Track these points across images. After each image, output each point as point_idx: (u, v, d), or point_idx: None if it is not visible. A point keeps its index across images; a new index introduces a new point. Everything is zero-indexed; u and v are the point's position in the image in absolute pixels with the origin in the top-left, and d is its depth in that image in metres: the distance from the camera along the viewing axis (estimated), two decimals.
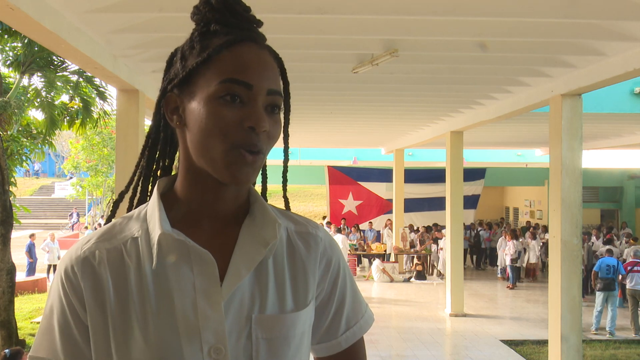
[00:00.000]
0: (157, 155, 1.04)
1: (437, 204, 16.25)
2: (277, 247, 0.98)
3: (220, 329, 0.90)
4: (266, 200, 1.06)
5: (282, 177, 1.07)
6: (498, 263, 14.74)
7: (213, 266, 0.91)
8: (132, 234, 0.94)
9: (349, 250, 14.51)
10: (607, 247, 10.94)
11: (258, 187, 1.08)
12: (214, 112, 0.88)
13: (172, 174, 1.06)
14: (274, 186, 1.12)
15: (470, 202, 16.75)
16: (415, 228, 16.00)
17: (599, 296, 9.68)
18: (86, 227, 21.58)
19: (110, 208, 1.06)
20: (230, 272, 0.92)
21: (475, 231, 16.52)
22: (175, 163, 1.05)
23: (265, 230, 0.96)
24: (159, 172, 1.05)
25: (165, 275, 0.91)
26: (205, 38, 0.93)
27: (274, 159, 1.02)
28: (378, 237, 16.37)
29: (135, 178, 1.05)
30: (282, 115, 0.97)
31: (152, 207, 0.95)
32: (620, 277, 9.76)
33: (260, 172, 0.99)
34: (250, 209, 1.00)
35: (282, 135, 0.99)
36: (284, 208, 1.10)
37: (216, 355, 0.89)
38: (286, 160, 1.06)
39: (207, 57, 0.90)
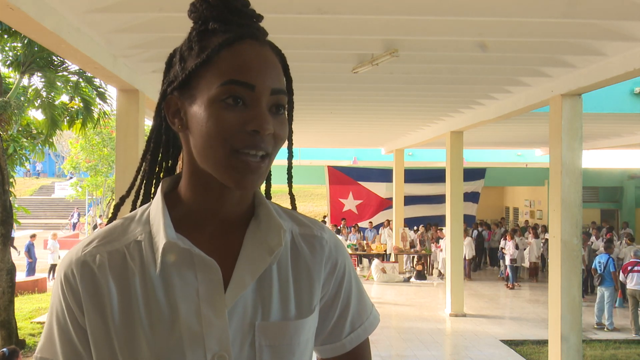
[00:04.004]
0: (159, 158, 1.02)
1: (436, 201, 16.27)
2: (282, 252, 0.96)
3: (224, 337, 0.88)
4: (270, 199, 1.04)
5: (287, 174, 1.05)
6: (501, 264, 14.74)
7: (218, 274, 0.90)
8: (135, 237, 0.93)
9: (349, 251, 14.53)
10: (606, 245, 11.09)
11: (262, 187, 1.07)
12: (215, 116, 0.85)
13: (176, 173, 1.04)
14: (277, 186, 1.11)
15: (471, 196, 16.77)
16: (415, 228, 16.02)
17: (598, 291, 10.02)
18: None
19: (112, 211, 1.04)
20: (235, 280, 0.91)
21: (478, 231, 16.51)
22: (178, 163, 1.04)
23: (270, 236, 0.94)
24: (161, 174, 1.03)
25: (169, 281, 0.90)
26: (204, 37, 0.90)
27: (277, 158, 1.01)
28: (377, 232, 16.34)
29: (137, 182, 1.03)
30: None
31: (156, 210, 0.94)
32: (612, 272, 9.86)
33: None
34: (255, 212, 0.98)
35: None
36: (290, 205, 1.08)
37: None
38: (290, 157, 1.04)
39: (207, 58, 0.87)
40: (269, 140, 0.88)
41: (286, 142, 1.01)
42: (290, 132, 0.99)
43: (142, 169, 1.02)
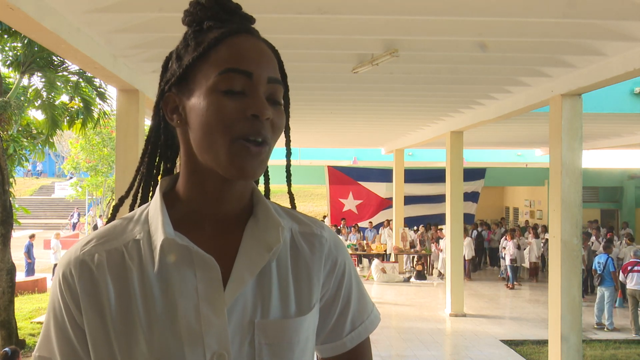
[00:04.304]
0: (157, 159, 1.02)
1: (436, 201, 16.28)
2: (281, 250, 0.96)
3: (224, 335, 0.88)
4: (269, 199, 1.04)
5: (286, 171, 1.06)
6: (501, 264, 14.73)
7: (216, 271, 0.89)
8: (133, 236, 0.93)
9: (349, 251, 14.54)
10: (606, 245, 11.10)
11: (261, 187, 1.07)
12: (214, 104, 0.87)
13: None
14: (276, 186, 1.11)
15: (470, 196, 16.77)
16: (415, 228, 16.01)
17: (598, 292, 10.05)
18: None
19: (111, 211, 1.05)
20: (234, 278, 0.91)
21: (478, 231, 16.51)
22: (177, 164, 1.04)
23: (268, 233, 0.94)
24: (159, 176, 1.03)
25: (168, 279, 0.90)
26: (200, 35, 0.92)
27: (275, 158, 1.01)
28: (377, 232, 16.35)
29: (136, 183, 1.03)
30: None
31: (155, 209, 0.94)
32: (612, 272, 9.86)
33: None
34: (253, 210, 0.98)
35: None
36: (289, 204, 1.08)
37: None
38: (289, 154, 1.04)
39: (203, 51, 0.89)
40: (267, 126, 0.89)
41: (284, 139, 1.01)
42: (288, 128, 0.99)
43: (140, 170, 1.02)
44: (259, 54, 0.90)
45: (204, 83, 0.88)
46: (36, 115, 12.80)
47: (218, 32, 0.90)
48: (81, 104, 10.75)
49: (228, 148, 0.87)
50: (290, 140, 1.03)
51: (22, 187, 34.91)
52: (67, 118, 10.99)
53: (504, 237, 14.60)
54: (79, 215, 29.52)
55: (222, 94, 0.87)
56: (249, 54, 0.89)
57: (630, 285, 9.48)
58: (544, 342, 7.37)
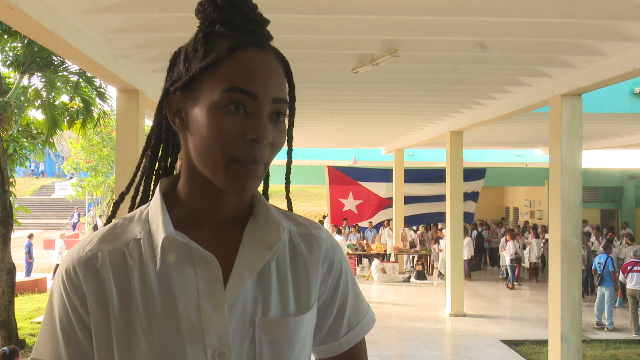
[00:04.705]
0: (159, 155, 1.02)
1: (436, 200, 16.27)
2: (280, 250, 0.97)
3: (224, 333, 0.89)
4: (267, 199, 1.05)
5: (285, 179, 1.06)
6: (501, 264, 14.73)
7: (217, 269, 0.90)
8: (134, 235, 0.93)
9: (349, 251, 14.54)
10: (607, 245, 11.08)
11: (260, 187, 1.07)
12: (216, 122, 0.86)
13: (175, 173, 1.05)
14: (276, 186, 1.12)
15: (470, 196, 16.77)
16: (414, 228, 16.00)
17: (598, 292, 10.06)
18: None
19: (111, 208, 1.05)
20: (234, 276, 0.91)
21: (477, 231, 16.49)
22: (178, 162, 1.04)
23: (268, 233, 0.95)
24: (161, 171, 1.03)
25: (168, 277, 0.90)
26: (210, 41, 0.90)
27: (276, 158, 1.02)
28: (377, 232, 16.35)
29: (137, 178, 1.03)
30: (286, 120, 0.96)
31: (155, 208, 0.94)
32: (612, 272, 9.85)
33: None
34: (253, 210, 0.99)
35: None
36: (287, 209, 1.09)
37: (220, 358, 0.88)
38: (289, 162, 1.04)
39: (211, 62, 0.88)
40: (266, 148, 0.89)
41: (285, 146, 1.02)
42: (291, 137, 1.00)
43: (142, 164, 1.03)
44: (266, 73, 0.89)
45: (208, 96, 0.88)
46: (36, 115, 12.83)
47: (228, 43, 0.89)
48: (81, 104, 10.76)
49: (225, 167, 0.87)
50: (292, 149, 1.03)
51: (22, 187, 34.89)
52: (67, 118, 11.00)
53: (504, 237, 14.60)
54: (79, 215, 29.51)
55: (224, 112, 0.86)
56: (255, 73, 0.88)
57: (630, 285, 9.49)
58: (544, 342, 7.37)
